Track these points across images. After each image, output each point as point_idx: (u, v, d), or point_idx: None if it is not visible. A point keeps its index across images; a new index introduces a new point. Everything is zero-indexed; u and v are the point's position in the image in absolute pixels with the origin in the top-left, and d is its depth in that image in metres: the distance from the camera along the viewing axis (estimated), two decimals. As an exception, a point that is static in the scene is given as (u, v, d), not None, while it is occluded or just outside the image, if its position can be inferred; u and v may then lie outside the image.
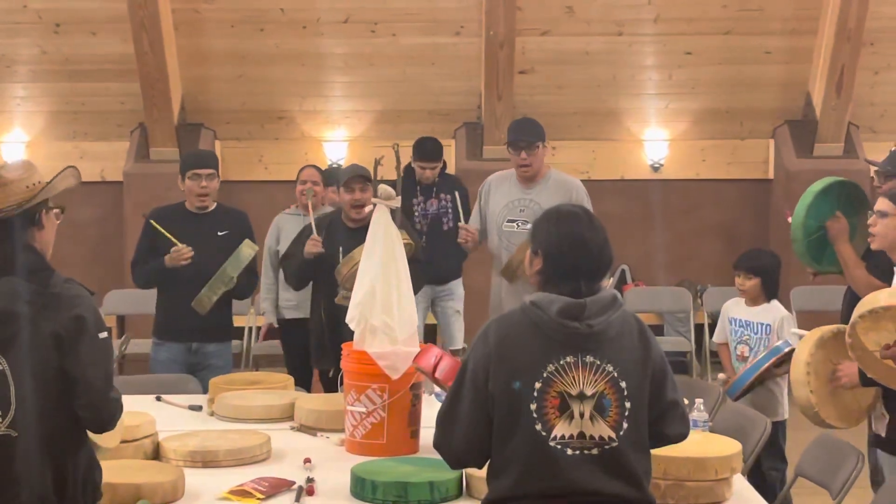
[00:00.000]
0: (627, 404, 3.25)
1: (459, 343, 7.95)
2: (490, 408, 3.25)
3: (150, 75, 9.92)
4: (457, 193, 7.26)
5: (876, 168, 5.74)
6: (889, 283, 4.80)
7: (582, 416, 3.21)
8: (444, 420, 3.35)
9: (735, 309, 6.22)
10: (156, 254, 6.26)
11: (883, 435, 4.74)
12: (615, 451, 3.23)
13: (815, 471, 4.87)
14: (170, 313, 6.30)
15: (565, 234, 3.34)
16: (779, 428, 5.84)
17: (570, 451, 3.20)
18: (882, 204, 4.70)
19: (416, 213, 7.87)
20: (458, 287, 8.02)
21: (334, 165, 10.39)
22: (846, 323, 4.31)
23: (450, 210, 7.85)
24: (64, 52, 10.17)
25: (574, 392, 3.22)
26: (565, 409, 3.21)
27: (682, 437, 3.45)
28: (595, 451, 3.22)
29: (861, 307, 4.23)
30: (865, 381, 4.54)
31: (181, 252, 6.14)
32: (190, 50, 10.25)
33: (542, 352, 3.24)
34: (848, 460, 4.66)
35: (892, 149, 5.68)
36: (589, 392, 3.22)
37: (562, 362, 3.23)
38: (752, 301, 6.12)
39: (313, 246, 6.11)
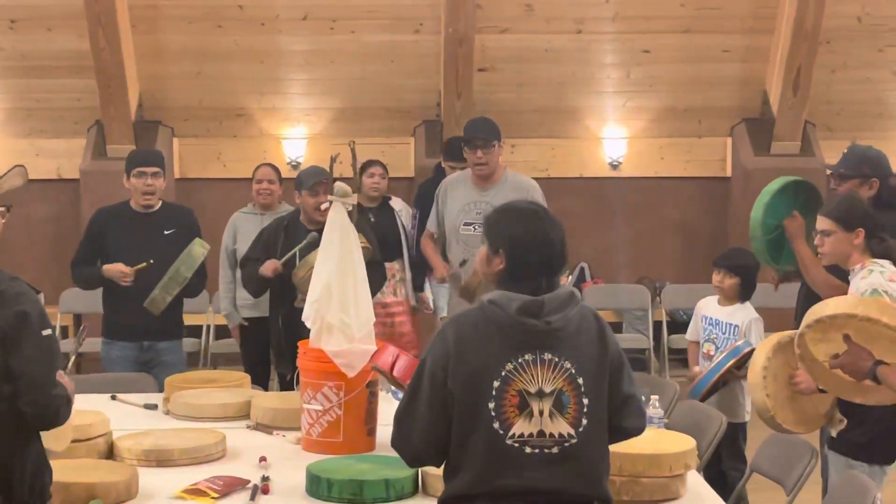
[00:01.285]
0: (586, 401, 3.25)
1: None
2: (448, 407, 3.24)
3: (106, 72, 9.85)
4: None
5: (831, 171, 5.77)
6: (846, 282, 4.82)
7: (541, 413, 3.21)
8: (401, 418, 3.33)
9: (707, 307, 6.20)
10: (99, 254, 6.22)
11: (833, 436, 4.77)
12: (574, 448, 3.23)
13: (770, 467, 4.91)
14: (120, 313, 6.26)
15: (528, 231, 3.31)
16: (739, 429, 5.86)
17: (528, 450, 3.20)
18: (823, 223, 4.69)
19: None
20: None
21: (293, 164, 10.36)
22: (800, 319, 4.31)
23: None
24: (19, 49, 10.08)
25: (533, 390, 3.21)
26: (524, 408, 3.20)
27: (638, 430, 3.45)
28: (555, 450, 3.21)
29: (808, 317, 4.22)
30: (822, 388, 4.55)
31: (125, 275, 6.11)
32: (147, 47, 10.18)
33: (500, 350, 3.22)
34: (802, 456, 4.70)
35: (845, 151, 5.69)
36: (548, 389, 3.22)
37: (520, 360, 3.22)
38: (727, 300, 6.10)
39: (272, 272, 6.09)
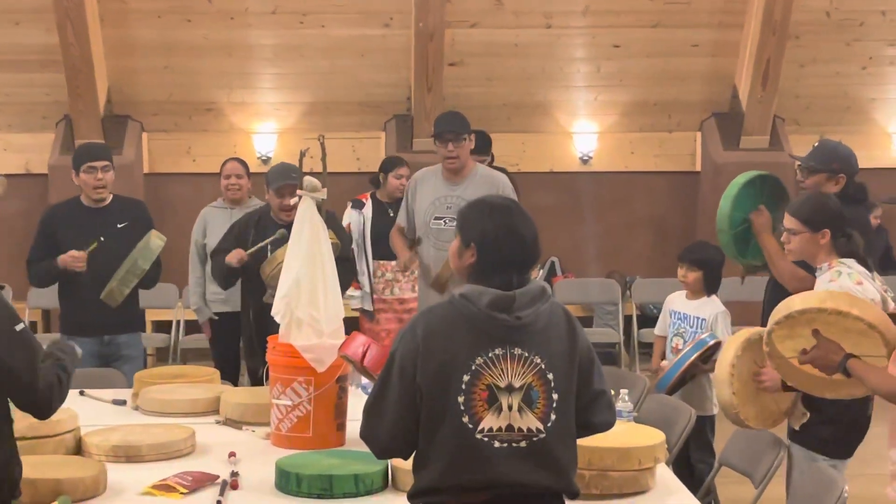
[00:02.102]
0: (555, 396, 3.25)
1: None
2: (416, 401, 3.24)
3: (75, 66, 9.80)
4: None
5: (799, 163, 5.80)
6: (813, 274, 4.84)
7: (510, 408, 3.20)
8: (370, 411, 3.33)
9: (676, 302, 6.24)
10: (53, 251, 6.20)
11: (796, 429, 4.80)
12: (543, 442, 3.23)
13: (739, 460, 4.93)
14: (78, 309, 6.22)
15: (500, 226, 3.29)
16: (707, 422, 5.88)
17: (497, 444, 3.20)
18: (789, 222, 4.72)
19: None
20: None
21: (263, 159, 10.34)
22: (768, 314, 4.33)
23: None
24: (-14, 43, 10.03)
25: (502, 384, 3.21)
26: (493, 402, 3.20)
27: (608, 425, 3.45)
28: (523, 444, 3.21)
29: (776, 314, 4.24)
30: (786, 387, 4.58)
31: (77, 259, 6.09)
32: (116, 41, 10.13)
33: (470, 344, 3.22)
34: (770, 450, 4.72)
35: (815, 144, 5.72)
36: (517, 384, 3.21)
37: (490, 355, 3.21)
38: (693, 294, 6.13)
39: (237, 261, 6.09)
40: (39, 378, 3.34)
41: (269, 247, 6.05)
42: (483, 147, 7.73)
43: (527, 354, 3.23)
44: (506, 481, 3.20)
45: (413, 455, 3.33)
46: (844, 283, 4.47)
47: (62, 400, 3.47)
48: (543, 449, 3.23)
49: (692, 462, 5.85)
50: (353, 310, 7.58)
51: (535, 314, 3.26)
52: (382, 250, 7.53)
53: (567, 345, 3.30)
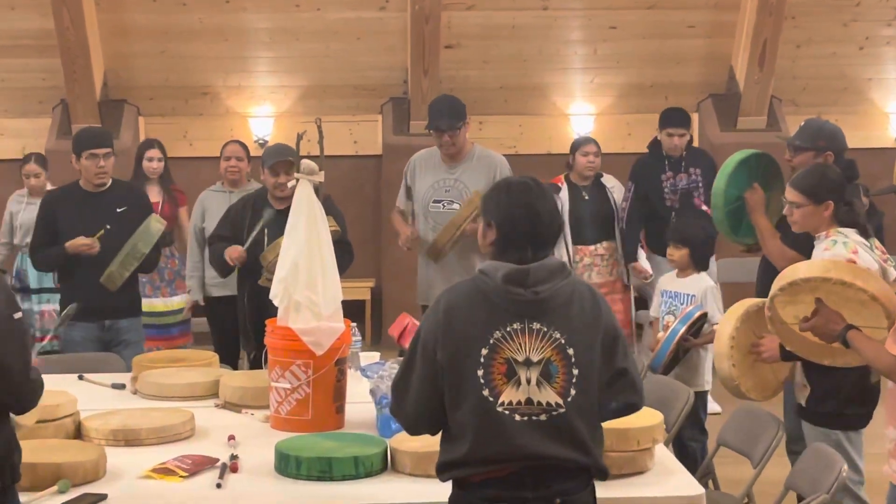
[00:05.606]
0: (575, 371, 3.27)
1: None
2: (439, 377, 3.29)
3: (71, 51, 9.77)
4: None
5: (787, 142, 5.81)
6: (803, 255, 4.86)
7: (528, 382, 3.24)
8: (396, 388, 3.40)
9: (667, 282, 6.29)
10: (55, 237, 6.22)
11: (803, 404, 4.82)
12: (562, 417, 3.25)
13: (737, 440, 4.95)
14: (78, 294, 6.22)
15: (517, 203, 3.36)
16: (699, 398, 5.90)
17: (517, 417, 3.23)
18: (792, 195, 4.74)
19: (666, 189, 7.80)
20: (711, 264, 7.86)
21: (260, 142, 10.32)
22: (761, 293, 4.36)
23: (700, 184, 7.79)
24: (-18, 28, 10.00)
25: (520, 358, 3.25)
26: (512, 376, 3.24)
27: (633, 406, 3.47)
28: (543, 417, 3.24)
29: (780, 280, 4.27)
30: (786, 356, 4.60)
31: (89, 246, 6.11)
32: (112, 25, 10.10)
33: (488, 319, 3.27)
34: (768, 429, 4.75)
35: (801, 124, 5.75)
36: (535, 358, 3.25)
37: (508, 329, 3.26)
38: (682, 272, 6.19)
39: (235, 258, 6.07)
40: (31, 369, 3.34)
41: (264, 231, 6.03)
42: (684, 121, 7.89)
43: (545, 329, 3.27)
44: (529, 454, 3.24)
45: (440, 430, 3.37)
46: (839, 251, 4.49)
47: (39, 398, 3.46)
48: (563, 423, 3.26)
49: (684, 441, 5.86)
50: None
51: (553, 289, 3.30)
52: (580, 235, 7.58)
53: (590, 321, 3.34)
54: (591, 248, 7.54)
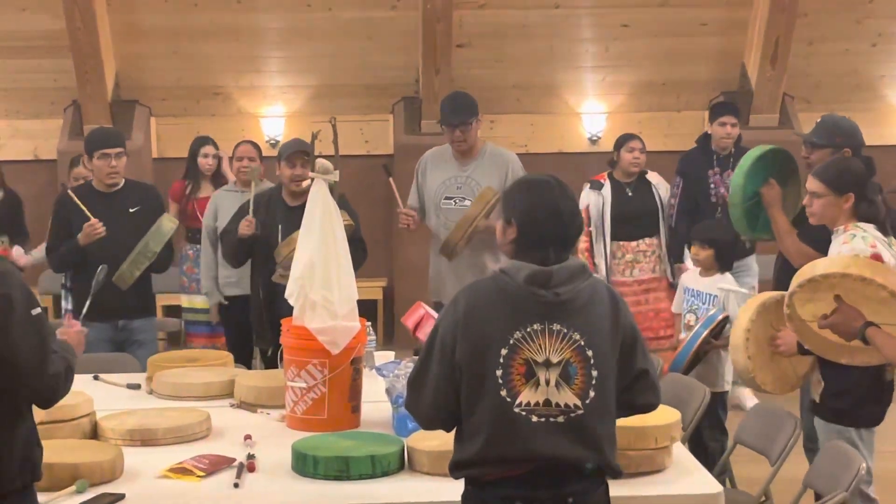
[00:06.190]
0: (594, 373, 3.26)
1: None
2: (456, 375, 3.28)
3: (82, 52, 9.78)
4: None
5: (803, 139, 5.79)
6: (820, 251, 4.85)
7: (548, 383, 3.23)
8: (413, 384, 3.39)
9: (690, 279, 6.30)
10: (69, 237, 6.25)
11: (817, 401, 4.81)
12: (581, 418, 3.24)
13: (754, 438, 4.93)
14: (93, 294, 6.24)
15: (538, 202, 3.34)
16: (718, 399, 5.88)
17: (535, 418, 3.22)
18: (813, 185, 4.73)
19: (712, 186, 7.75)
20: (753, 262, 7.84)
21: (272, 142, 10.32)
22: (777, 290, 4.34)
23: None
24: (-6, 30, 10.02)
25: (540, 359, 3.24)
26: (531, 376, 3.23)
27: (651, 406, 3.48)
28: (560, 419, 3.23)
29: (799, 276, 4.25)
30: (803, 350, 4.58)
31: (94, 227, 6.12)
32: (123, 25, 10.11)
33: (509, 319, 3.26)
34: (785, 427, 4.73)
35: (818, 120, 5.73)
36: (555, 359, 3.24)
37: (528, 329, 3.24)
38: (706, 272, 6.19)
39: (247, 227, 6.08)
40: (49, 364, 3.34)
41: (278, 227, 6.02)
42: (735, 110, 7.81)
43: (565, 330, 3.26)
44: (544, 455, 3.23)
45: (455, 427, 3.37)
46: (857, 245, 4.48)
47: (66, 391, 3.46)
48: (581, 425, 3.25)
49: (704, 440, 5.85)
50: None
51: (574, 291, 3.29)
52: (622, 231, 7.52)
53: (609, 322, 3.33)
54: (634, 244, 7.49)
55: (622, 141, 7.73)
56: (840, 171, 4.72)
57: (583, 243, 7.58)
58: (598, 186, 7.62)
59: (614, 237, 7.53)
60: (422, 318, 4.16)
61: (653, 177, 7.78)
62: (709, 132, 7.92)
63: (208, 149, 7.95)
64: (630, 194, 7.54)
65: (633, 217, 7.54)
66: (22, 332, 3.25)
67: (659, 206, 7.64)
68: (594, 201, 7.56)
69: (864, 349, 4.06)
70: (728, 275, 6.17)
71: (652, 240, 7.57)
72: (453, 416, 3.34)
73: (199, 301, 7.73)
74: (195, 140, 8.18)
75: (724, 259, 6.17)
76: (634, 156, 7.64)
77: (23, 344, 3.25)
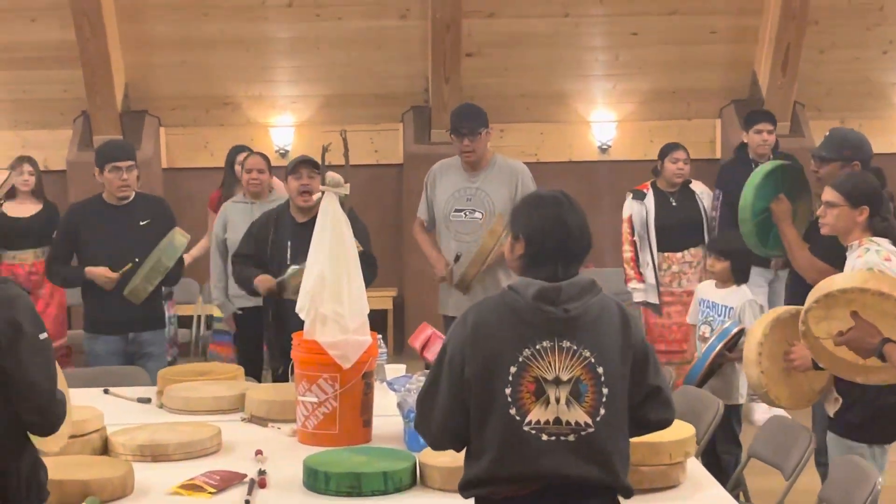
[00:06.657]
0: (605, 390, 3.23)
1: None
2: (466, 394, 3.25)
3: (92, 62, 9.78)
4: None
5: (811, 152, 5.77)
6: (832, 265, 4.82)
7: (558, 401, 3.20)
8: (422, 403, 3.36)
9: (706, 291, 6.26)
10: (76, 250, 6.24)
11: (831, 416, 4.77)
12: (591, 436, 3.21)
13: (768, 451, 4.90)
14: (103, 307, 6.23)
15: (546, 217, 3.32)
16: (733, 412, 5.85)
17: (544, 437, 3.19)
18: (829, 195, 4.71)
19: None
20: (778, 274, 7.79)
21: (281, 152, 10.31)
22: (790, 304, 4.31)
23: None
24: (3, 41, 10.00)
25: (550, 377, 3.20)
26: (541, 394, 3.20)
27: (665, 422, 3.44)
28: (571, 437, 3.20)
29: (816, 292, 4.21)
30: (817, 365, 4.55)
31: (112, 280, 6.11)
32: (132, 36, 10.11)
33: (518, 336, 3.22)
34: (800, 441, 4.69)
35: (826, 134, 5.70)
36: (565, 377, 3.21)
37: (538, 347, 3.21)
38: (722, 283, 6.15)
39: (265, 291, 5.97)
40: (56, 389, 3.32)
41: (288, 248, 5.98)
42: (772, 117, 7.77)
43: (575, 347, 3.23)
44: (554, 474, 3.20)
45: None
46: (871, 258, 4.45)
47: (64, 420, 3.44)
48: (592, 443, 3.21)
49: (718, 453, 5.82)
50: (635, 303, 7.48)
51: (584, 307, 3.26)
52: (668, 241, 7.47)
53: (619, 339, 3.29)
54: (679, 255, 7.45)
55: (666, 151, 7.68)
56: (856, 183, 4.71)
57: (627, 253, 7.55)
58: (640, 196, 7.58)
59: (660, 248, 7.48)
60: (429, 338, 4.14)
61: (696, 186, 7.73)
62: (745, 141, 7.86)
63: (245, 156, 7.90)
64: (674, 204, 7.49)
65: (677, 226, 7.49)
66: (31, 356, 3.24)
67: (703, 216, 7.60)
68: (637, 211, 7.53)
69: (881, 368, 4.02)
70: (745, 287, 6.12)
71: (697, 250, 7.52)
72: (463, 435, 3.30)
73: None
74: (232, 149, 8.16)
75: (741, 271, 6.13)
76: (679, 166, 7.60)
77: (33, 367, 3.23)
